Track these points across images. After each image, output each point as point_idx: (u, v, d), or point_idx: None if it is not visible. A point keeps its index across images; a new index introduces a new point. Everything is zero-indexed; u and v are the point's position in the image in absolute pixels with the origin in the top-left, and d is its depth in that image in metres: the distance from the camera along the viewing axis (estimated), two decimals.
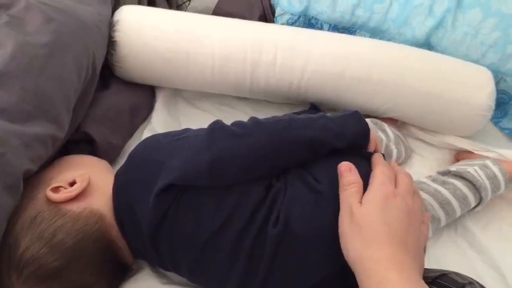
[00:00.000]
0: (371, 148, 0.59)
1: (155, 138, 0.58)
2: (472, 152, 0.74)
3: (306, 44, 0.73)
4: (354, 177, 0.50)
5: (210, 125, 0.54)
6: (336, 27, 0.84)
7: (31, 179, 0.53)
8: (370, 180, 0.51)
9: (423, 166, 0.77)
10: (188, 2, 0.92)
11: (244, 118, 0.56)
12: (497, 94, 0.76)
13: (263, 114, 0.58)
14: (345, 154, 0.55)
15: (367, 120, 0.67)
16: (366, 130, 0.57)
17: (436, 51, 0.80)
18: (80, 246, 0.50)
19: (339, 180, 0.51)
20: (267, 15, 0.88)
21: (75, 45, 0.60)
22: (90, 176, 0.55)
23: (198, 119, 0.72)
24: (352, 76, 0.72)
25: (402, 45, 0.78)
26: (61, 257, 0.49)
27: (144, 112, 0.77)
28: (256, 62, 0.72)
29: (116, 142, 0.69)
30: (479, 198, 0.67)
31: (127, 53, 0.72)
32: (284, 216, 0.50)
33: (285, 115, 0.60)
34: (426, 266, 0.50)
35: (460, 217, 0.69)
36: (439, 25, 0.79)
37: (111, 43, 0.71)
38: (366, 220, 0.46)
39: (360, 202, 0.48)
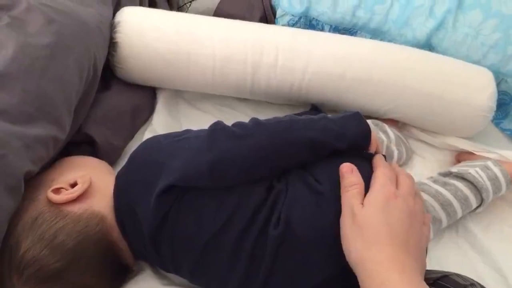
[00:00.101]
0: (372, 149, 0.59)
1: (155, 139, 0.58)
2: (473, 153, 0.74)
3: (307, 45, 0.73)
4: (356, 178, 0.50)
5: (211, 126, 0.54)
6: (337, 28, 0.84)
7: (32, 181, 0.53)
8: (372, 182, 0.51)
9: (424, 167, 0.77)
10: (189, 3, 0.92)
11: (245, 119, 0.56)
12: (498, 95, 0.76)
13: (264, 115, 0.58)
14: (346, 155, 0.55)
15: (368, 121, 0.67)
16: (367, 131, 0.57)
17: (437, 52, 0.80)
18: (81, 248, 0.50)
19: (340, 181, 0.51)
20: (268, 16, 0.88)
21: (76, 46, 0.60)
22: (91, 178, 0.55)
23: (199, 120, 0.72)
24: (353, 77, 0.72)
25: (403, 46, 0.78)
26: (62, 259, 0.49)
27: (145, 113, 0.77)
28: (257, 64, 0.72)
29: (117, 143, 0.69)
30: (480, 199, 0.67)
31: (128, 54, 0.72)
32: (285, 217, 0.50)
33: (286, 116, 0.60)
34: (428, 268, 0.50)
35: (461, 218, 0.69)
36: (439, 26, 0.79)
37: (112, 44, 0.71)
38: (368, 221, 0.46)
39: (362, 204, 0.48)
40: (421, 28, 0.80)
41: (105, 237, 0.52)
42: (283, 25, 0.86)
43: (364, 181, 0.50)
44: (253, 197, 0.51)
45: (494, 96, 0.74)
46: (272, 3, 0.88)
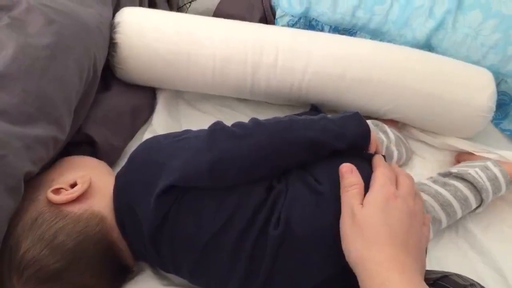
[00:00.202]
0: (372, 149, 0.59)
1: (155, 140, 0.58)
2: (473, 154, 0.74)
3: (306, 46, 0.73)
4: (356, 178, 0.50)
5: (210, 126, 0.54)
6: (337, 29, 0.84)
7: (32, 181, 0.53)
8: (371, 182, 0.51)
9: (424, 167, 0.77)
10: (189, 4, 0.92)
11: (245, 120, 0.56)
12: (498, 95, 0.76)
13: (263, 115, 0.58)
14: (346, 156, 0.55)
15: (368, 121, 0.67)
16: (367, 131, 0.57)
17: (437, 52, 0.80)
18: (81, 248, 0.50)
19: (340, 181, 0.51)
20: (267, 17, 0.88)
21: (76, 47, 0.60)
22: (91, 178, 0.55)
23: (198, 121, 0.72)
24: (353, 78, 0.72)
25: (402, 47, 0.78)
26: (61, 259, 0.49)
27: (145, 113, 0.77)
28: (257, 64, 0.72)
29: (117, 144, 0.69)
30: (480, 200, 0.67)
31: (128, 55, 0.72)
32: (285, 217, 0.50)
33: (285, 116, 0.61)
34: (427, 268, 0.50)
35: (461, 218, 0.69)
36: (439, 26, 0.79)
37: (112, 45, 0.71)
38: (368, 221, 0.46)
39: (362, 204, 0.48)
40: (421, 28, 0.80)
41: (105, 237, 0.52)
42: (283, 25, 0.86)
43: (364, 181, 0.50)
44: (253, 197, 0.51)
45: (494, 97, 0.74)
46: (272, 3, 0.88)
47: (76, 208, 0.52)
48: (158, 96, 0.80)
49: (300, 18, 0.85)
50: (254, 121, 0.55)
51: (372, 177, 0.51)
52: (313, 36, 0.76)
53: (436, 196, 0.65)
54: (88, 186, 0.53)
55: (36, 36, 0.56)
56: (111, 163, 0.66)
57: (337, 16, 0.83)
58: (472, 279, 0.52)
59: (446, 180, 0.68)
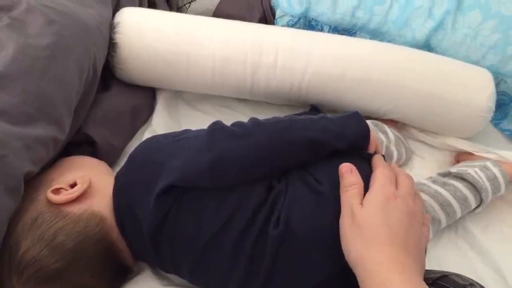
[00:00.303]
0: (371, 149, 0.59)
1: (155, 139, 0.58)
2: (473, 154, 0.74)
3: (306, 46, 0.73)
4: (355, 178, 0.50)
5: (210, 126, 0.54)
6: (336, 29, 0.84)
7: (32, 181, 0.53)
8: (371, 182, 0.51)
9: (423, 167, 0.77)
10: (189, 4, 0.92)
11: (245, 120, 0.56)
12: (497, 95, 0.76)
13: (263, 116, 0.58)
14: (346, 155, 0.55)
15: (368, 121, 0.67)
16: (366, 131, 0.57)
17: (436, 52, 0.80)
18: (81, 248, 0.50)
19: (340, 181, 0.51)
20: (267, 17, 0.88)
21: (76, 47, 0.60)
22: (91, 178, 0.55)
23: (198, 121, 0.72)
24: (353, 78, 0.72)
25: (402, 47, 0.78)
26: (61, 259, 0.49)
27: (144, 114, 0.77)
28: (257, 64, 0.72)
29: (117, 144, 0.69)
30: (480, 200, 0.67)
31: (127, 55, 0.72)
32: (285, 217, 0.50)
33: (285, 116, 0.61)
34: (427, 268, 0.50)
35: (460, 218, 0.69)
36: (439, 27, 0.79)
37: (111, 45, 0.71)
38: (367, 221, 0.46)
39: (361, 204, 0.48)
40: (420, 29, 0.80)
41: (105, 237, 0.52)
42: (283, 25, 0.86)
43: (364, 181, 0.50)
44: (253, 197, 0.51)
45: (493, 97, 0.74)
46: (272, 3, 0.88)
47: (76, 208, 0.52)
48: (157, 96, 0.80)
49: (299, 18, 0.85)
50: (254, 120, 0.55)
51: (372, 177, 0.51)
52: (313, 36, 0.76)
53: (435, 196, 0.65)
54: (87, 186, 0.53)
55: (36, 36, 0.56)
56: (111, 163, 0.66)
57: (337, 16, 0.83)
58: (471, 279, 0.52)
59: (446, 180, 0.68)
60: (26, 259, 0.48)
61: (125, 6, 0.76)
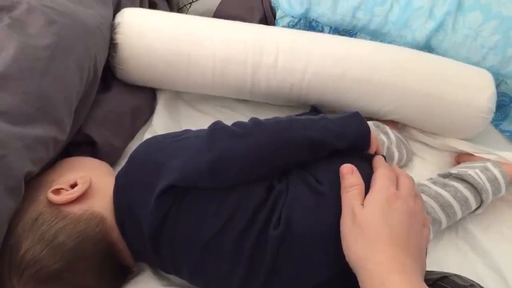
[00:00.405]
0: (372, 149, 0.59)
1: (155, 139, 0.58)
2: (473, 155, 0.74)
3: (306, 46, 0.73)
4: (356, 179, 0.50)
5: (210, 126, 0.54)
6: (337, 30, 0.84)
7: (33, 181, 0.53)
8: (372, 183, 0.51)
9: (424, 168, 0.77)
10: (189, 4, 0.92)
11: (245, 120, 0.56)
12: (498, 96, 0.76)
13: (263, 116, 0.58)
14: (347, 156, 0.55)
15: (369, 122, 0.68)
16: (367, 131, 0.57)
17: (437, 53, 0.80)
18: (81, 248, 0.50)
19: (341, 182, 0.51)
20: (268, 18, 0.88)
21: (77, 47, 0.60)
22: (91, 178, 0.55)
23: (198, 122, 0.72)
24: (353, 78, 0.72)
25: (402, 48, 0.78)
26: (61, 259, 0.49)
27: (145, 114, 0.77)
28: (257, 65, 0.72)
29: (117, 144, 0.69)
30: (480, 201, 0.67)
31: (128, 55, 0.72)
32: (286, 217, 0.50)
33: (285, 116, 0.61)
34: (427, 269, 0.50)
35: (461, 219, 0.69)
36: (439, 27, 0.79)
37: (112, 46, 0.71)
38: (368, 222, 0.46)
39: (362, 204, 0.48)
40: (421, 29, 0.80)
41: (105, 238, 0.52)
42: (283, 26, 0.86)
43: (364, 182, 0.50)
44: (253, 197, 0.51)
45: (494, 98, 0.74)
46: (272, 4, 0.88)
47: (76, 209, 0.52)
48: (158, 96, 0.80)
49: (300, 19, 0.85)
50: (254, 120, 0.55)
51: (373, 178, 0.51)
52: (313, 36, 0.76)
53: (436, 197, 0.65)
54: (88, 186, 0.53)
55: (36, 36, 0.56)
56: (111, 164, 0.66)
57: (337, 17, 0.83)
58: (472, 280, 0.53)
59: (446, 181, 0.68)
60: (26, 259, 0.48)
61: (126, 6, 0.76)
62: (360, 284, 0.44)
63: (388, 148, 0.72)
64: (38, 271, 0.48)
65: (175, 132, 0.58)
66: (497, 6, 0.77)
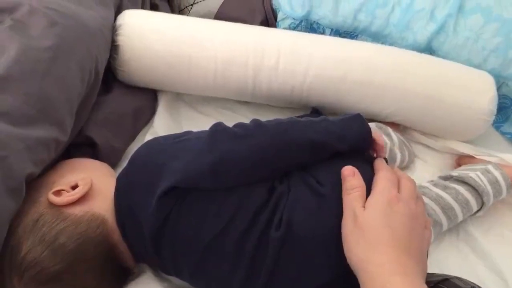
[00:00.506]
0: (377, 148, 0.58)
1: (156, 141, 0.58)
2: (474, 157, 0.74)
3: (308, 48, 0.73)
4: (358, 181, 0.50)
5: (211, 127, 0.54)
6: (338, 32, 0.85)
7: (33, 183, 0.53)
8: (373, 185, 0.51)
9: (425, 170, 0.77)
10: (191, 6, 0.92)
11: (246, 122, 0.56)
12: (499, 98, 0.76)
13: (264, 118, 0.58)
14: (348, 158, 0.55)
15: (372, 124, 0.67)
16: (368, 132, 0.57)
17: (438, 56, 0.80)
18: (82, 250, 0.50)
19: (342, 184, 0.51)
20: (269, 20, 0.88)
21: (78, 49, 0.60)
22: (92, 180, 0.55)
23: (200, 123, 0.72)
24: (354, 80, 0.72)
25: (403, 50, 0.78)
26: (62, 261, 0.49)
27: (146, 115, 0.77)
28: (258, 66, 0.72)
29: (118, 146, 0.69)
30: (481, 203, 0.67)
31: (129, 57, 0.72)
32: (287, 218, 0.50)
33: (287, 118, 0.61)
34: (428, 271, 0.50)
35: (462, 222, 0.69)
36: (440, 30, 0.79)
37: (113, 47, 0.71)
38: (370, 224, 0.46)
39: (363, 206, 0.48)
40: (422, 31, 0.80)
41: (106, 239, 0.52)
42: (284, 28, 0.86)
43: (366, 184, 0.50)
44: (254, 198, 0.51)
45: (495, 100, 0.74)
46: (273, 6, 0.88)
47: (77, 210, 0.52)
48: (159, 98, 0.80)
49: (301, 21, 0.85)
50: (256, 122, 0.55)
51: (374, 180, 0.51)
52: (314, 39, 0.76)
53: (437, 199, 0.65)
54: (89, 188, 0.53)
55: (38, 38, 0.56)
56: (112, 165, 0.66)
57: (339, 19, 0.83)
58: (472, 282, 0.52)
59: (447, 183, 0.68)
60: (27, 260, 0.48)
61: (127, 8, 0.77)
62: (361, 286, 0.44)
63: (391, 150, 0.72)
64: (39, 273, 0.48)
65: (176, 134, 0.58)
66: (498, 9, 0.77)
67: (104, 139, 0.66)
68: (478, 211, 0.68)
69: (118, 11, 0.76)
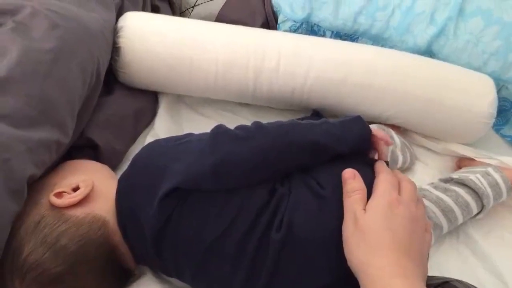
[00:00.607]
0: (385, 144, 0.58)
1: (157, 143, 0.58)
2: (474, 160, 0.74)
3: (308, 51, 0.73)
4: (358, 184, 0.51)
5: (213, 130, 0.55)
6: (338, 34, 0.85)
7: (35, 184, 0.53)
8: (374, 187, 0.51)
9: (425, 173, 0.77)
10: (192, 8, 0.93)
11: (247, 124, 0.56)
12: (499, 101, 0.76)
13: (265, 120, 0.58)
14: (349, 160, 0.55)
15: (374, 126, 0.67)
16: (368, 134, 0.57)
17: (438, 59, 0.80)
18: (83, 252, 0.50)
19: (343, 187, 0.51)
20: (269, 22, 0.88)
21: (80, 51, 0.60)
22: (93, 182, 0.55)
23: (200, 125, 0.72)
24: (354, 83, 0.72)
25: (403, 53, 0.78)
26: (64, 262, 0.49)
27: (147, 117, 0.77)
28: (259, 69, 0.72)
29: (119, 148, 0.69)
30: (481, 206, 0.67)
31: (130, 59, 0.72)
32: (288, 220, 0.50)
33: (288, 120, 0.61)
34: (428, 274, 0.50)
35: (462, 224, 0.69)
36: (440, 33, 0.80)
37: (115, 49, 0.71)
38: (370, 226, 0.46)
39: (364, 209, 0.48)
40: (422, 35, 0.80)
41: (107, 241, 0.52)
42: (285, 30, 0.86)
43: (367, 186, 0.51)
44: (255, 200, 0.51)
45: (495, 103, 0.74)
46: (274, 9, 0.88)
47: (79, 212, 0.52)
48: (160, 100, 0.80)
49: (302, 24, 0.85)
50: (257, 124, 0.55)
51: (375, 183, 0.52)
52: (315, 41, 0.76)
53: (437, 202, 0.65)
54: (90, 190, 0.54)
55: (40, 40, 0.57)
56: (113, 167, 0.66)
57: (339, 22, 0.83)
58: (473, 285, 0.52)
59: (447, 186, 0.68)
60: (28, 262, 0.48)
61: (129, 10, 0.77)
62: None
63: (393, 152, 0.72)
64: (40, 274, 0.48)
65: (177, 136, 0.59)
66: (499, 12, 0.77)
67: (105, 141, 0.66)
68: (478, 213, 0.68)
69: (119, 13, 0.76)
